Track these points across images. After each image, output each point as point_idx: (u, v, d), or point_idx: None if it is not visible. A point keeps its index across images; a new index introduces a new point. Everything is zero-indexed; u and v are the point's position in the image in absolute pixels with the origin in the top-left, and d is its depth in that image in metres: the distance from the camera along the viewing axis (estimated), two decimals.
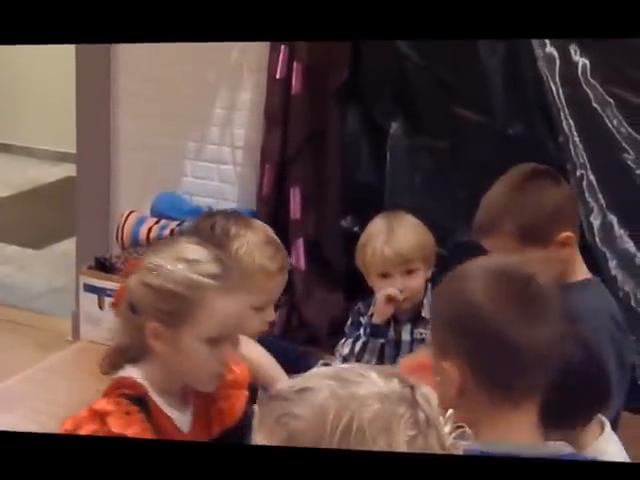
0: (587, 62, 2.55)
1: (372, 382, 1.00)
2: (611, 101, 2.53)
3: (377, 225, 2.22)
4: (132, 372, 1.47)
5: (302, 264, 3.15)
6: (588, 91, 2.54)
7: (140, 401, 1.43)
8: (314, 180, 3.19)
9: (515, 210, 1.90)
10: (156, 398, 1.46)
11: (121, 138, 3.65)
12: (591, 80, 2.54)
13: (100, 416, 1.39)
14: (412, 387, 1.01)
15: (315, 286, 3.18)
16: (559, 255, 1.94)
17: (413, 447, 0.97)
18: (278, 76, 3.17)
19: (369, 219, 2.27)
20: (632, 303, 2.42)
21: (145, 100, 3.54)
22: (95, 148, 3.72)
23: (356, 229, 3.00)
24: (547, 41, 2.57)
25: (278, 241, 1.85)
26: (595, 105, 2.53)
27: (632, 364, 2.41)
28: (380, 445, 0.95)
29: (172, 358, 1.45)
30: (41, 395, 3.41)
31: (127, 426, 1.38)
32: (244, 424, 1.57)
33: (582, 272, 2.03)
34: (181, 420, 1.49)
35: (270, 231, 1.86)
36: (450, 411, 1.05)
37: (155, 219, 3.55)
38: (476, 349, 1.30)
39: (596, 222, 2.51)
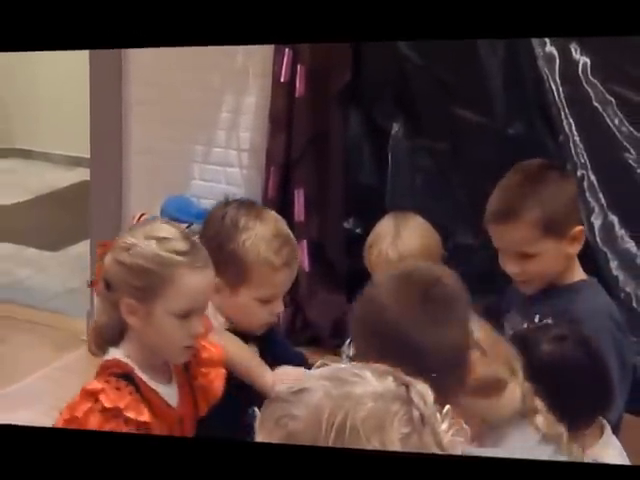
0: (587, 61, 2.37)
1: (367, 381, 0.95)
2: (612, 100, 2.35)
3: (384, 226, 2.09)
4: (115, 353, 1.47)
5: (306, 265, 3.01)
6: (589, 90, 2.36)
7: (127, 377, 1.44)
8: (317, 182, 3.05)
9: (540, 198, 1.77)
10: (141, 375, 1.45)
11: (132, 143, 3.55)
12: (592, 79, 2.36)
13: (92, 394, 1.39)
14: (407, 385, 0.96)
15: (319, 287, 3.04)
16: (568, 250, 1.82)
17: (408, 445, 0.92)
18: (282, 79, 3.03)
19: (371, 220, 2.15)
20: (634, 304, 2.24)
21: (154, 106, 3.44)
22: (107, 153, 3.62)
23: (358, 230, 2.87)
24: (547, 40, 2.39)
25: (288, 235, 1.72)
26: (596, 104, 2.35)
27: (634, 365, 2.28)
28: (373, 444, 0.91)
29: (146, 333, 1.45)
30: (57, 392, 3.31)
31: (119, 400, 1.39)
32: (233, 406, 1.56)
33: (579, 273, 1.90)
34: (167, 393, 1.49)
35: (281, 224, 1.74)
36: (447, 407, 1.00)
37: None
38: (385, 352, 1.20)
39: (597, 222, 2.33)
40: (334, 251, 3.02)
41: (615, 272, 2.27)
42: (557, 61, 2.41)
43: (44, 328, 3.77)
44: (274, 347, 1.79)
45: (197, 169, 3.41)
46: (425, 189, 2.74)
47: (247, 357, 1.71)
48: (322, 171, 3.03)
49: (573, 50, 2.40)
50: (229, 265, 1.64)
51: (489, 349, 1.40)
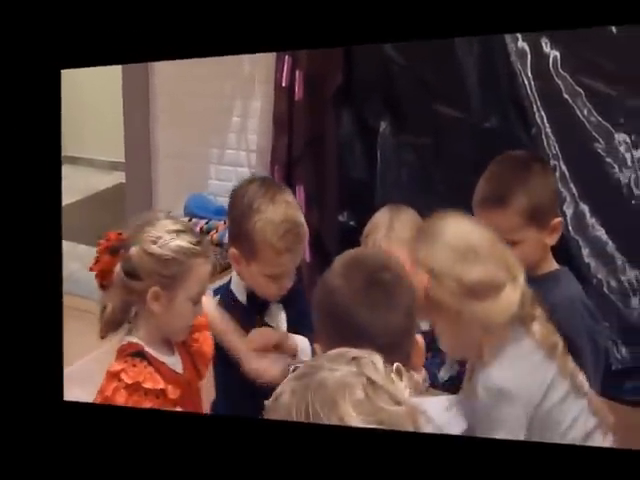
0: (557, 54, 2.15)
1: (323, 368, 0.94)
2: (581, 91, 2.13)
3: (379, 218, 2.01)
4: (128, 338, 1.51)
5: (307, 256, 2.87)
6: (559, 83, 2.15)
7: (140, 354, 1.48)
8: (316, 179, 2.91)
9: (528, 188, 1.62)
10: (150, 350, 1.49)
11: (160, 148, 3.48)
12: (562, 72, 2.14)
13: (115, 375, 1.44)
14: (357, 358, 0.95)
15: (318, 277, 2.89)
16: (546, 240, 1.67)
17: (364, 411, 0.90)
18: (284, 84, 2.91)
19: (364, 213, 2.06)
20: (605, 290, 2.02)
21: (177, 113, 3.37)
22: (138, 157, 3.57)
23: (352, 223, 2.73)
24: (519, 36, 2.19)
25: (296, 221, 1.64)
26: (566, 96, 2.13)
27: (606, 350, 2.08)
28: (334, 421, 0.89)
29: (163, 317, 1.46)
30: (104, 374, 3.29)
31: (137, 375, 1.44)
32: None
33: (552, 263, 1.75)
34: (173, 363, 1.52)
35: (292, 209, 1.65)
36: (396, 364, 0.97)
37: (187, 218, 3.36)
38: (336, 332, 1.18)
39: (569, 211, 2.12)
40: (331, 242, 2.88)
41: (587, 259, 2.05)
42: (529, 56, 2.20)
43: (91, 316, 3.72)
44: (296, 306, 1.74)
45: (213, 170, 3.32)
46: (410, 183, 2.57)
47: (228, 332, 1.69)
48: (320, 169, 2.90)
49: (543, 44, 2.18)
50: (244, 242, 1.63)
51: (485, 250, 1.29)
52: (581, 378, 1.39)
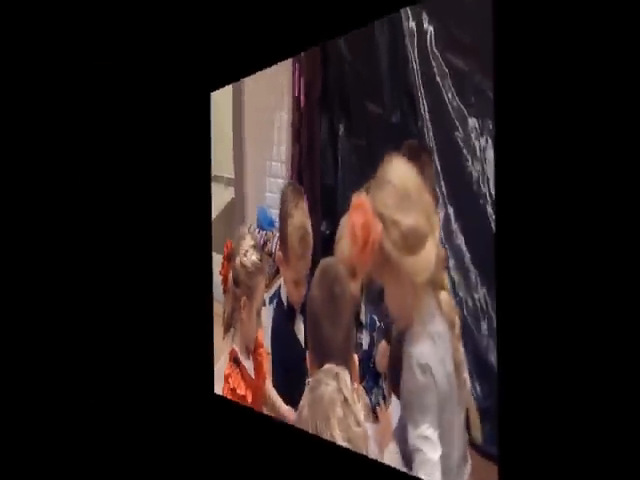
0: (432, 29, 1.77)
1: (322, 382, 1.06)
2: (447, 71, 1.72)
3: (343, 223, 2.01)
4: (232, 344, 1.72)
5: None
6: (434, 64, 1.76)
7: (236, 361, 1.70)
8: (312, 189, 2.78)
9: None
10: (240, 356, 1.71)
11: (246, 161, 3.62)
12: (435, 50, 1.75)
13: (226, 379, 1.70)
14: (337, 374, 1.05)
15: None
16: None
17: (344, 430, 1.02)
18: (296, 93, 2.84)
19: (334, 222, 2.03)
20: (464, 312, 1.58)
21: (250, 128, 3.47)
22: (239, 172, 3.75)
23: (327, 232, 2.54)
24: (410, 12, 1.84)
25: (307, 228, 1.85)
26: (438, 79, 1.74)
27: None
28: (328, 436, 1.05)
29: (246, 325, 1.65)
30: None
31: (235, 381, 1.68)
32: None
33: None
34: (249, 367, 1.73)
35: (305, 216, 1.85)
36: (357, 385, 1.09)
37: (257, 230, 3.46)
38: (310, 338, 1.29)
39: (441, 214, 1.71)
40: (317, 254, 2.71)
41: (452, 274, 1.64)
42: (415, 36, 1.85)
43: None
44: None
45: (267, 182, 3.34)
46: (358, 187, 2.31)
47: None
48: (312, 178, 2.76)
49: (424, 20, 1.81)
50: (282, 244, 1.80)
51: (415, 196, 1.33)
52: (465, 375, 1.33)
